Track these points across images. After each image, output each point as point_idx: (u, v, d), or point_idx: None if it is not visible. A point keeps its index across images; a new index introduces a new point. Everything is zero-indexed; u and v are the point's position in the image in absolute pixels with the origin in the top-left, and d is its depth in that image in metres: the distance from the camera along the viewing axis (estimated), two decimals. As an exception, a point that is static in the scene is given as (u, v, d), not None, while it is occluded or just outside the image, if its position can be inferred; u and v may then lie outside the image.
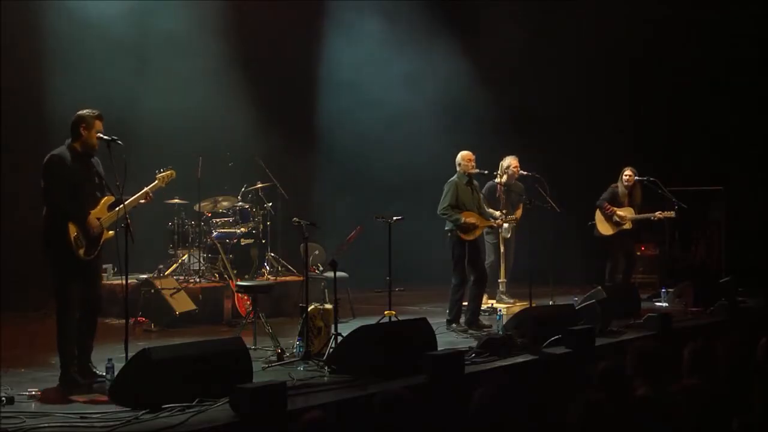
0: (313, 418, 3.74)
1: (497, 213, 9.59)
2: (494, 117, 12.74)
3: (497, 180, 9.99)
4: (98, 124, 6.25)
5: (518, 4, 12.85)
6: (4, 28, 9.64)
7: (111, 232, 6.35)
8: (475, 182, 9.06)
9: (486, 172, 9.45)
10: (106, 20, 10.42)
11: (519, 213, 10.17)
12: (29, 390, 5.65)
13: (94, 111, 6.30)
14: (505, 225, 9.88)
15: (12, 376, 6.15)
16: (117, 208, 6.27)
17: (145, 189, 6.58)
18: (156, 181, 6.75)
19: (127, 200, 6.30)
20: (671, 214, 10.66)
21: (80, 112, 6.28)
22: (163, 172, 6.85)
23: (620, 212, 10.64)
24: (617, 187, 10.77)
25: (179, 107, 10.72)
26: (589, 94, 12.68)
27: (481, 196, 9.39)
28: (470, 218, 8.69)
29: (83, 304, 6.30)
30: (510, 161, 10.23)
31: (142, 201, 6.54)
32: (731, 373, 4.81)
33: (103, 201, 6.32)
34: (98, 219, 6.23)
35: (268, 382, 5.40)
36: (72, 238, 6.06)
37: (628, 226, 10.68)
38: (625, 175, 10.71)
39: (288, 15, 12.14)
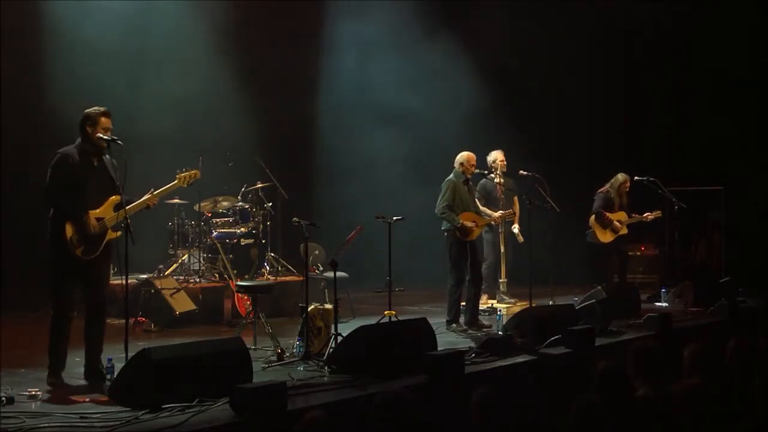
0: (313, 418, 3.74)
1: (496, 214, 9.56)
2: (494, 116, 12.72)
3: (497, 180, 9.84)
4: (104, 121, 6.12)
5: (519, 4, 12.84)
6: (4, 28, 9.63)
7: (118, 232, 6.21)
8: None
9: (486, 172, 9.46)
10: (106, 19, 10.40)
11: (516, 207, 10.11)
12: (29, 390, 5.64)
13: (99, 108, 6.18)
14: (517, 231, 9.95)
15: (12, 376, 6.14)
16: (120, 210, 6.14)
17: (160, 190, 6.43)
18: (175, 181, 6.52)
19: (133, 203, 6.24)
20: (659, 213, 10.77)
21: (86, 111, 6.18)
22: (186, 171, 6.56)
23: (617, 219, 10.59)
24: (608, 192, 10.69)
25: (180, 107, 10.71)
26: (589, 93, 12.67)
27: (477, 195, 9.37)
28: (468, 220, 8.66)
29: (88, 305, 6.26)
30: (496, 155, 10.07)
31: (147, 205, 6.34)
32: (731, 373, 4.81)
33: (108, 201, 6.20)
34: (100, 219, 6.12)
35: (268, 382, 5.39)
36: (68, 238, 6.00)
37: (624, 231, 10.69)
38: (625, 185, 10.64)
39: (289, 15, 12.14)
